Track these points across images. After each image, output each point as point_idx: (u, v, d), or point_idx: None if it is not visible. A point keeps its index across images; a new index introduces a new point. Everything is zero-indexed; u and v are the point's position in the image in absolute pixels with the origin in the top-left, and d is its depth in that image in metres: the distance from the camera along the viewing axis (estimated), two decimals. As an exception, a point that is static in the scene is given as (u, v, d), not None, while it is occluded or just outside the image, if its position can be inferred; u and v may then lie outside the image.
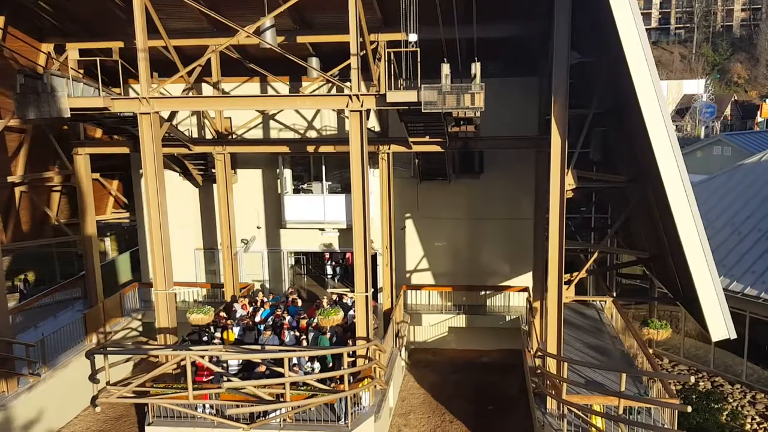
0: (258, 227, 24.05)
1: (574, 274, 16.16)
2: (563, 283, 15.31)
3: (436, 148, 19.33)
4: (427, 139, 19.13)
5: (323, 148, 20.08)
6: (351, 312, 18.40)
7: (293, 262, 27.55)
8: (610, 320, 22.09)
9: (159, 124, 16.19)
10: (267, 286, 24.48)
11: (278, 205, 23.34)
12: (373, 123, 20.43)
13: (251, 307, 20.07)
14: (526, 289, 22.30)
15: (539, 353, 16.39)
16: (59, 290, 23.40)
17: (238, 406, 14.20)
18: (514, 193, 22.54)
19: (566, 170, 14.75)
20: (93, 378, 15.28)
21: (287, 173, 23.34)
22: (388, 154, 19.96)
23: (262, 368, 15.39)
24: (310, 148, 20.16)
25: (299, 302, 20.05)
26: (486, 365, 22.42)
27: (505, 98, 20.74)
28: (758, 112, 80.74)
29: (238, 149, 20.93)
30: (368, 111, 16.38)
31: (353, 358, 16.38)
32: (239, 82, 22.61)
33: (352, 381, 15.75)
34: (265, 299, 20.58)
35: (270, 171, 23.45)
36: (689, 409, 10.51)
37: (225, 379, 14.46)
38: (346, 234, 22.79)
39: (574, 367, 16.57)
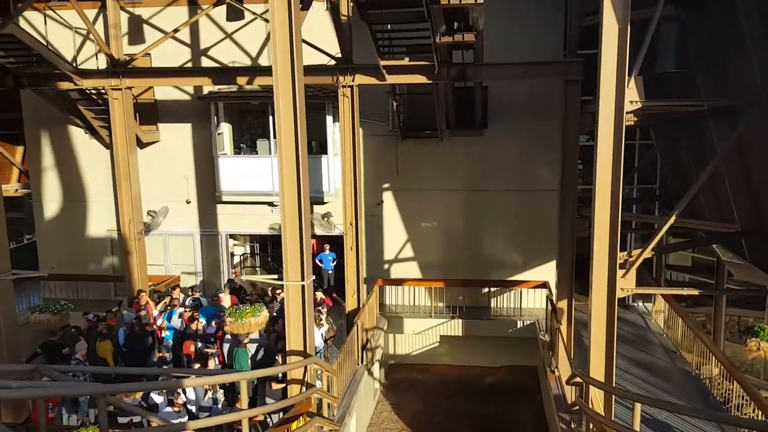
0: (188, 201, 18.21)
1: (633, 252, 10.23)
2: (617, 267, 9.41)
3: (422, 79, 13.62)
4: (407, 62, 13.32)
5: (260, 80, 14.23)
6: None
7: (248, 251, 21.72)
8: (661, 328, 16.19)
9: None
10: (201, 279, 18.67)
11: (213, 171, 17.50)
12: (330, 43, 14.55)
13: (158, 308, 14.26)
14: (546, 285, 16.43)
15: (576, 379, 10.42)
16: None
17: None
18: (531, 155, 16.97)
19: (627, 78, 8.83)
20: None
21: (225, 128, 17.48)
22: (351, 89, 14.06)
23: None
24: (242, 80, 14.35)
25: (224, 300, 14.09)
26: (490, 388, 17.19)
27: (517, 22, 15.97)
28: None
29: (142, 82, 15.13)
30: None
31: (282, 385, 10.57)
32: (161, 5, 17.19)
33: (277, 421, 9.96)
34: (182, 295, 14.80)
35: (203, 127, 17.66)
36: None
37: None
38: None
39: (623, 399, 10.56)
